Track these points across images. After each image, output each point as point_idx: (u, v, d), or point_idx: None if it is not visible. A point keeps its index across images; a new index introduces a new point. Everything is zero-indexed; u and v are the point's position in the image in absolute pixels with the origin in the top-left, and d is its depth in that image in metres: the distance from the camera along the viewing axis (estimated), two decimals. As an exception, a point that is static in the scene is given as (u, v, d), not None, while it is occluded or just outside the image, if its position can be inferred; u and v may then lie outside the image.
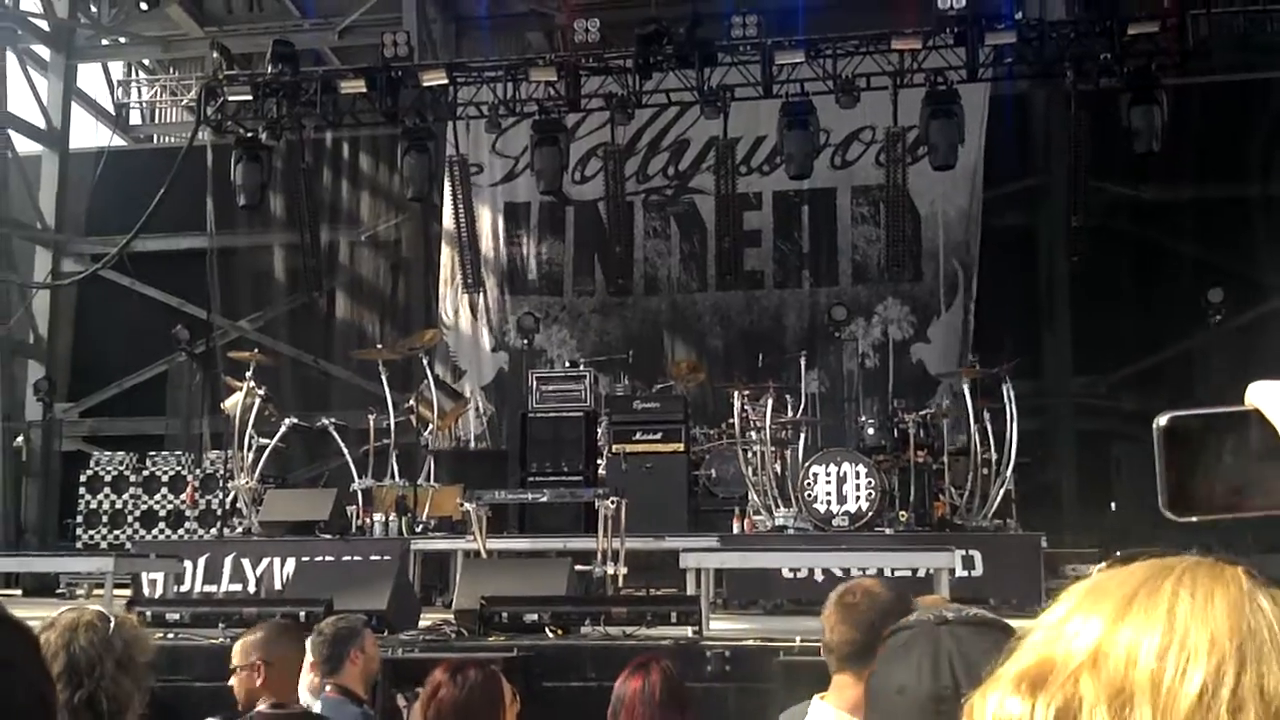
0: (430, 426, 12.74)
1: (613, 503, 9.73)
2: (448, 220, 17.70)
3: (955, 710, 1.74)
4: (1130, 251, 15.75)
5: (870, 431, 12.19)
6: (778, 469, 11.89)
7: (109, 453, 16.55)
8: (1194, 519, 1.08)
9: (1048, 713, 0.90)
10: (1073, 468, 14.77)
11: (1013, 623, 1.94)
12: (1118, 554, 1.04)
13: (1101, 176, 15.21)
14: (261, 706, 4.52)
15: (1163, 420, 1.09)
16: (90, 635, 2.86)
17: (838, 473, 10.98)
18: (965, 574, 9.17)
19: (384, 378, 12.77)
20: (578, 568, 9.34)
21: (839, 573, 9.27)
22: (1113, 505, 12.35)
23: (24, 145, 19.46)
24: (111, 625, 2.91)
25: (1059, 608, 0.96)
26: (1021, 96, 16.82)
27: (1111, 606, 0.92)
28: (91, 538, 15.57)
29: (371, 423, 12.65)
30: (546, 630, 8.05)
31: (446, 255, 17.88)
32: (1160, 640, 0.89)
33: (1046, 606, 0.99)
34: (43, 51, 20.13)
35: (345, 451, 12.66)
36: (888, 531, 11.01)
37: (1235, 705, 0.85)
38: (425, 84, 15.08)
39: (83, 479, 15.97)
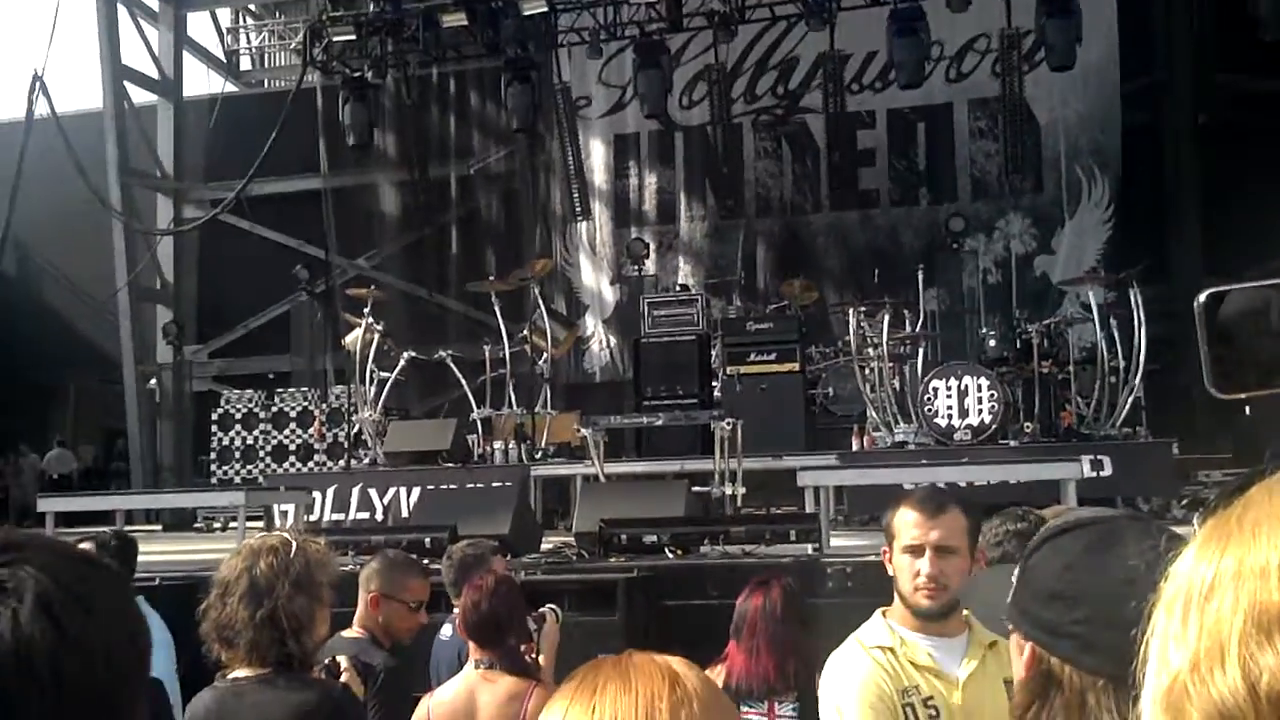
0: (545, 355, 12.81)
1: (728, 424, 9.67)
2: (556, 151, 17.68)
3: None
4: (1261, 146, 15.02)
5: (992, 343, 11.88)
6: (896, 385, 11.71)
7: (238, 391, 17.02)
8: (1241, 396, 1.02)
9: None
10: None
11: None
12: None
13: (1227, 69, 14.53)
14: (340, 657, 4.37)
15: (1203, 296, 1.01)
16: (270, 559, 3.09)
17: (959, 386, 10.74)
18: (1094, 475, 8.92)
19: (497, 309, 12.85)
20: (695, 489, 9.33)
21: (962, 484, 9.13)
22: (1246, 410, 11.90)
23: (139, 96, 19.88)
24: (293, 549, 3.12)
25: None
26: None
27: None
28: (225, 473, 16.09)
29: (487, 353, 12.76)
30: (666, 551, 8.06)
31: (560, 188, 17.88)
32: None
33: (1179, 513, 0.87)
34: (152, 2, 20.46)
35: (463, 382, 12.80)
36: (1012, 444, 10.78)
37: None
38: (526, 13, 14.99)
39: (214, 417, 16.49)
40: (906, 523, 3.07)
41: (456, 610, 5.34)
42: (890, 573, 3.11)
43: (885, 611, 3.12)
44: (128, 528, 9.53)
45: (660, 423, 11.10)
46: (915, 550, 3.04)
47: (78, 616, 1.07)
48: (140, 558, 8.19)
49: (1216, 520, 0.87)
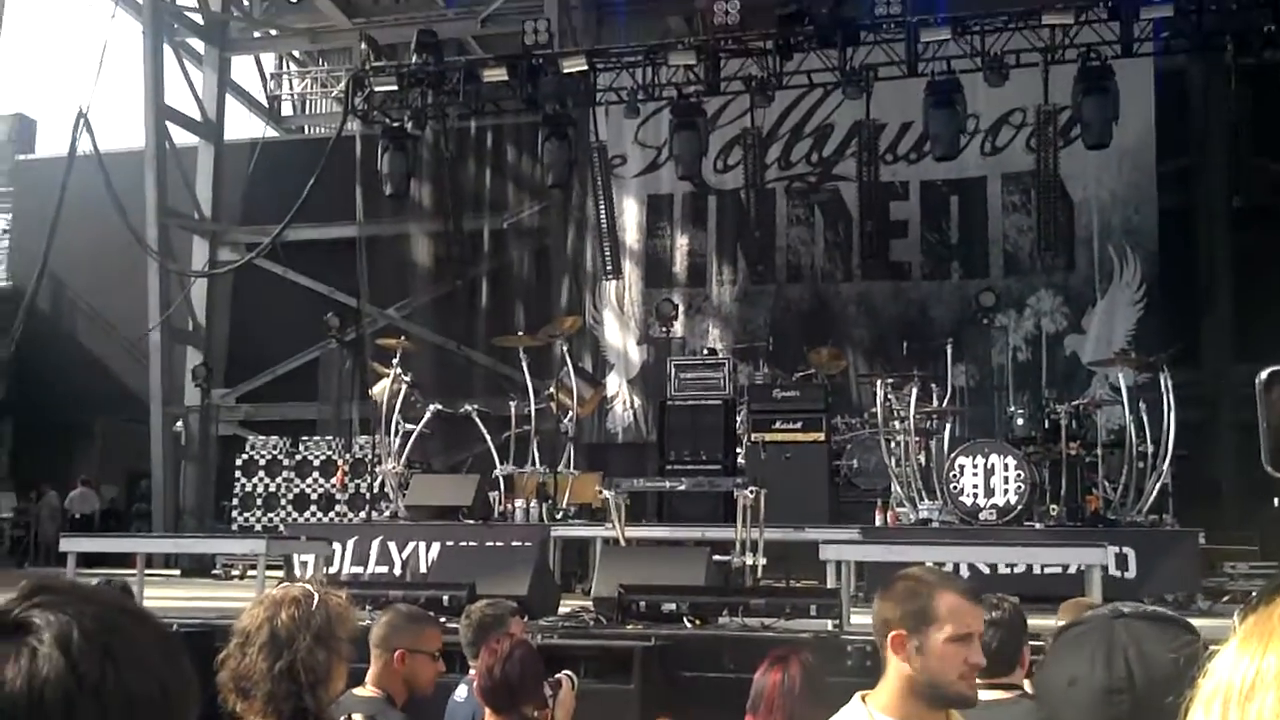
0: (570, 413, 12.80)
1: (751, 492, 9.63)
2: (590, 208, 17.77)
3: (1129, 702, 1.69)
4: (1296, 232, 15.01)
5: (1020, 422, 11.81)
6: (922, 460, 11.61)
7: (263, 437, 17.06)
8: None
9: None
10: (1233, 461, 14.16)
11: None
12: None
13: (1264, 154, 14.52)
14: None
15: (1264, 374, 1.03)
16: (292, 610, 3.04)
17: (985, 464, 10.67)
18: (1118, 574, 8.82)
19: (525, 364, 12.87)
20: (716, 557, 9.27)
21: (985, 569, 9.04)
22: (1275, 501, 11.77)
23: (181, 137, 20.13)
24: (315, 601, 3.07)
25: None
26: (1178, 71, 16.14)
27: None
28: (246, 520, 16.09)
29: (513, 409, 12.76)
30: (684, 620, 8.00)
31: (591, 245, 17.95)
32: None
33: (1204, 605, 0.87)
34: (197, 45, 20.79)
35: (487, 437, 12.81)
36: (1037, 526, 10.66)
37: None
38: (565, 71, 15.13)
39: (238, 463, 16.52)
40: (956, 610, 2.94)
41: (473, 671, 5.32)
42: (903, 658, 2.90)
43: (865, 696, 2.95)
44: (147, 571, 9.55)
45: (683, 487, 11.05)
46: (965, 639, 2.92)
47: (97, 662, 1.07)
48: (157, 603, 8.17)
49: (1258, 617, 0.86)
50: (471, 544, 10.97)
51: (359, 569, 11.39)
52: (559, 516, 11.90)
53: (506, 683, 4.25)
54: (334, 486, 15.70)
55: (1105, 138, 13.66)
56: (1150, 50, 14.35)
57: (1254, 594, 0.91)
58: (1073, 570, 8.00)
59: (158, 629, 1.21)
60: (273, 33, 22.34)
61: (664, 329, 14.99)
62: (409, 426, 12.86)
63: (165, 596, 9.81)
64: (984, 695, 3.87)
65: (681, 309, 16.44)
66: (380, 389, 13.03)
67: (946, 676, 2.89)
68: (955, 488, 10.75)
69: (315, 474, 16.11)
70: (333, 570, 11.07)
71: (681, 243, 17.93)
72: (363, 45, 16.32)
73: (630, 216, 17.99)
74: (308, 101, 24.67)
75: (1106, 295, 16.04)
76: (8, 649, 1.05)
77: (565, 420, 12.85)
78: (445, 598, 8.17)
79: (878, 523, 11.40)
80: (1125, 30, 13.45)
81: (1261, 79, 13.59)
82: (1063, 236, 15.61)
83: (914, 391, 11.61)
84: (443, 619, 6.03)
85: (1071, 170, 15.61)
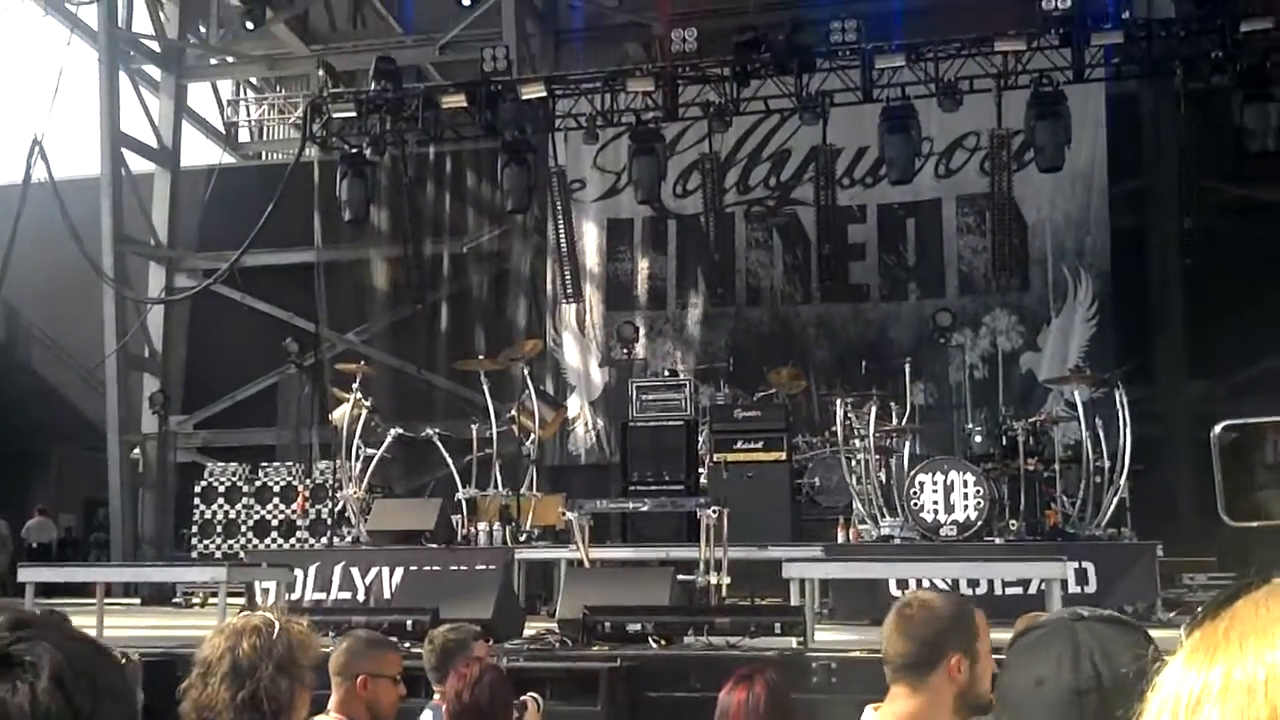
0: (532, 436, 12.80)
1: (714, 512, 9.67)
2: (550, 233, 17.82)
3: (1096, 702, 1.72)
4: (1245, 252, 15.29)
5: (978, 439, 11.94)
6: (882, 477, 11.72)
7: (222, 464, 16.93)
8: (1253, 524, 1.06)
9: None
10: (1189, 475, 14.36)
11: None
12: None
13: (1213, 177, 14.78)
14: None
15: (1218, 429, 1.06)
16: (253, 639, 3.04)
17: (945, 481, 10.77)
18: (1078, 589, 8.92)
19: (486, 388, 12.88)
20: (680, 577, 9.29)
21: (947, 584, 9.12)
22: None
23: (137, 164, 20.02)
24: (276, 629, 3.07)
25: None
26: (1129, 96, 16.42)
27: None
28: (206, 547, 15.94)
29: (474, 433, 12.75)
30: (650, 640, 8.02)
31: (551, 269, 17.98)
32: None
33: (1164, 616, 0.89)
34: (154, 72, 20.71)
35: (449, 461, 12.78)
36: (997, 541, 10.78)
37: None
38: (524, 97, 15.18)
39: (197, 490, 16.38)
40: (983, 621, 3.01)
41: (437, 696, 5.32)
42: (956, 677, 2.91)
43: (877, 708, 3.02)
44: (107, 600, 9.45)
45: (646, 508, 11.08)
46: (989, 646, 3.02)
47: (89, 695, 1.10)
48: (118, 632, 8.11)
49: (1204, 631, 0.87)
50: (434, 568, 10.93)
51: (321, 595, 11.32)
52: (522, 539, 11.89)
53: (476, 707, 4.26)
54: (294, 513, 15.59)
55: (1058, 161, 13.85)
56: (1101, 76, 14.57)
57: (1200, 608, 0.92)
58: (1034, 590, 8.09)
59: (115, 659, 1.26)
60: (230, 60, 22.28)
61: (625, 351, 15.04)
62: (370, 451, 12.81)
63: (126, 626, 9.71)
64: None
65: (643, 331, 16.51)
66: (340, 414, 12.98)
67: (987, 685, 2.94)
68: (916, 504, 10.84)
69: (275, 500, 16.00)
70: (294, 597, 10.98)
71: (642, 266, 18.02)
72: (320, 72, 16.31)
73: (590, 240, 18.06)
74: (265, 128, 24.60)
75: (1061, 314, 16.27)
76: (5, 684, 1.08)
77: (527, 443, 12.83)
78: (409, 622, 8.14)
79: (840, 540, 11.48)
80: (1077, 56, 13.65)
81: (1210, 103, 13.84)
82: (1017, 257, 15.79)
83: (873, 410, 11.71)
84: (406, 644, 6.02)
85: (1025, 193, 15.81)
